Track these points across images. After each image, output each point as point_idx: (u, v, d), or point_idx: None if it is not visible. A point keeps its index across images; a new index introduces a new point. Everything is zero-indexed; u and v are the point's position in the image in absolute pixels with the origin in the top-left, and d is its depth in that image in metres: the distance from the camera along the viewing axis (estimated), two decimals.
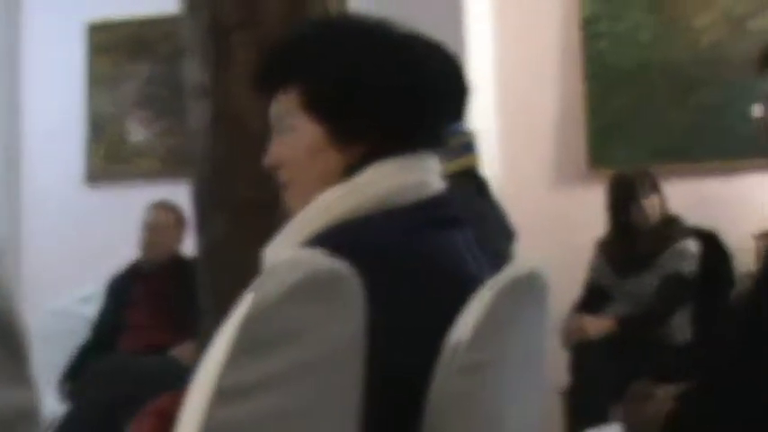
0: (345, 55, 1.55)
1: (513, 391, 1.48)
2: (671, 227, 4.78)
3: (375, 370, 1.24)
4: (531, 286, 1.50)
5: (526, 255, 5.53)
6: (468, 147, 2.33)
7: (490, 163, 5.59)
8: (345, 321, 1.16)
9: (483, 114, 5.55)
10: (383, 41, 1.59)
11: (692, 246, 4.66)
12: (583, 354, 4.45)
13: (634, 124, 5.62)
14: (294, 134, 1.58)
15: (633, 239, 4.78)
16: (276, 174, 1.61)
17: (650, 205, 4.72)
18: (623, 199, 4.78)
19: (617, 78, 5.72)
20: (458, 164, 2.27)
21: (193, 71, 3.14)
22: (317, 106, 1.55)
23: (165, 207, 5.13)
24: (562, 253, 5.23)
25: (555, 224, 5.64)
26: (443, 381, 1.34)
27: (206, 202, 3.09)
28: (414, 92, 1.55)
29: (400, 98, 1.54)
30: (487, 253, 1.67)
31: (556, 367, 4.63)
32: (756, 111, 2.20)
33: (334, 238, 1.40)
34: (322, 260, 1.16)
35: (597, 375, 4.29)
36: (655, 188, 4.79)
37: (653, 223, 4.73)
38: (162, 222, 5.08)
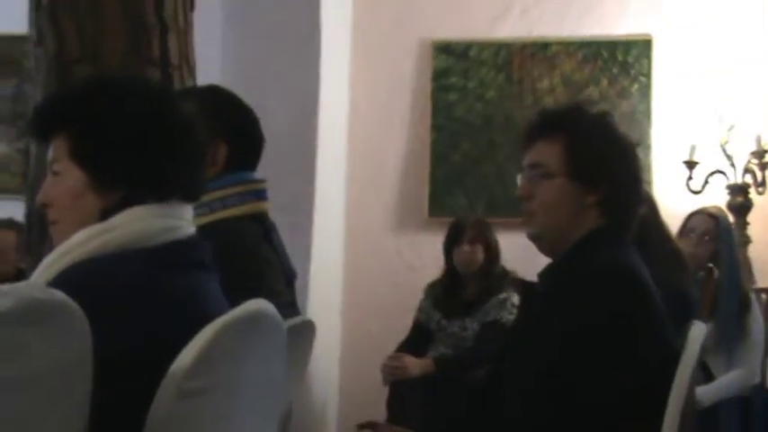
0: (106, 109, 1.76)
1: (239, 418, 1.68)
2: (498, 277, 5.01)
3: (96, 394, 1.44)
4: (257, 323, 1.70)
5: (367, 296, 5.84)
6: (258, 193, 2.53)
7: (336, 205, 5.83)
8: (57, 345, 1.35)
9: (333, 158, 5.78)
10: (143, 98, 1.79)
11: (514, 298, 4.89)
12: (400, 391, 4.69)
13: (475, 176, 5.90)
14: (61, 178, 1.79)
15: (460, 285, 5.02)
16: (46, 212, 1.81)
17: (471, 252, 4.95)
18: (449, 244, 5.04)
19: (462, 131, 6.01)
20: (247, 208, 2.47)
21: (35, 98, 3.25)
22: (79, 154, 1.76)
23: (7, 226, 5.21)
24: (401, 296, 5.47)
25: (396, 268, 5.87)
26: (160, 405, 1.54)
27: (35, 224, 3.19)
28: (166, 145, 1.76)
29: (153, 150, 1.75)
30: (268, 294, 1.88)
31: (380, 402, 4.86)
32: (519, 180, 2.44)
33: (74, 271, 1.61)
34: (33, 290, 1.35)
35: (412, 412, 4.52)
36: (481, 237, 5.01)
37: (474, 270, 4.96)
38: (2, 241, 5.16)
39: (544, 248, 2.40)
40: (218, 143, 2.46)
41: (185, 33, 3.33)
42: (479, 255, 4.98)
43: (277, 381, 1.81)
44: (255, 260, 2.39)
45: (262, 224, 2.51)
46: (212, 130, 2.37)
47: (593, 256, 2.26)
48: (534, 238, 2.40)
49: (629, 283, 2.19)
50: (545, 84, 5.98)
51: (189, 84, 3.21)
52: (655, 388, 2.11)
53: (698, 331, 2.33)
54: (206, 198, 2.18)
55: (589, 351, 2.09)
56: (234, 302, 1.73)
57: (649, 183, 5.65)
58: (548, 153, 2.34)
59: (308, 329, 2.36)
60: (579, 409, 2.08)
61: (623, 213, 2.38)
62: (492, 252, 5.04)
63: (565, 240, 2.34)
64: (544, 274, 2.42)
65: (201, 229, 1.88)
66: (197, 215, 1.94)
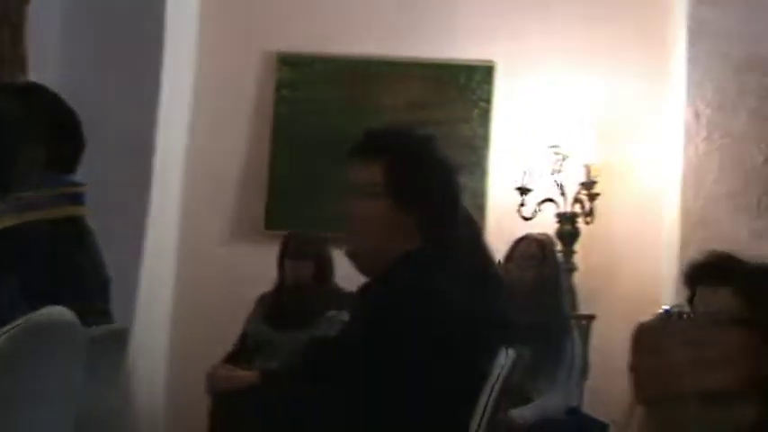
0: None
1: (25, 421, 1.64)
2: (329, 293, 5.01)
3: None
4: (48, 331, 1.66)
5: (199, 307, 5.78)
6: (74, 197, 2.48)
7: (171, 214, 5.75)
8: None
9: (170, 167, 5.71)
10: None
11: (344, 315, 4.90)
12: (222, 403, 4.65)
13: (313, 191, 5.89)
14: None
15: (290, 299, 5.02)
16: None
17: (301, 267, 4.96)
18: (281, 258, 5.04)
19: (302, 145, 6.01)
20: (59, 212, 2.42)
21: None
22: None
23: None
24: (234, 308, 5.42)
25: (230, 280, 5.82)
26: None
27: None
28: None
29: None
30: (73, 299, 1.84)
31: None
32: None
33: None
34: None
35: (235, 425, 4.48)
36: (312, 252, 5.02)
37: (304, 285, 4.96)
38: None
39: (360, 266, 2.42)
40: (35, 143, 2.40)
41: (19, 27, 3.26)
42: (309, 270, 4.98)
43: (72, 387, 1.77)
44: (62, 264, 2.33)
45: (76, 228, 2.46)
46: (30, 130, 2.31)
47: (404, 277, 2.28)
48: (351, 256, 2.42)
49: (428, 307, 2.22)
50: (387, 102, 6.03)
51: (20, 78, 3.14)
52: (452, 412, 2.14)
53: (505, 356, 2.38)
54: (17, 199, 2.13)
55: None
56: (35, 306, 1.69)
57: (483, 207, 5.78)
58: (369, 173, 2.37)
59: (120, 336, 2.32)
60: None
61: (440, 236, 2.41)
62: (323, 267, 5.04)
63: (381, 260, 2.36)
64: (359, 293, 2.44)
65: (6, 231, 1.83)
66: (4, 216, 1.89)
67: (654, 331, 2.80)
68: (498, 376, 2.31)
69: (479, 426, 2.23)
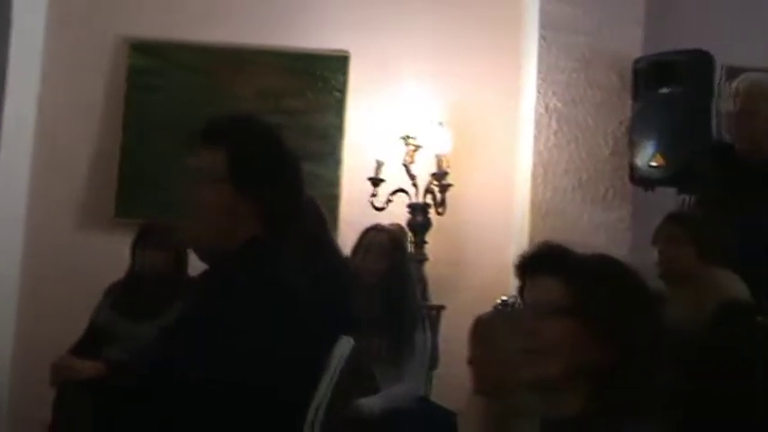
0: None
1: None
2: (182, 283, 4.92)
3: None
4: None
5: (47, 295, 5.64)
6: None
7: (17, 201, 5.60)
8: None
9: (17, 152, 5.56)
10: None
11: None
12: (65, 393, 4.54)
13: (164, 179, 5.78)
14: None
15: (141, 288, 4.92)
16: None
17: (154, 256, 4.87)
18: (134, 247, 4.93)
19: (155, 133, 5.90)
20: None
21: None
22: None
23: None
24: (83, 296, 5.29)
25: (79, 269, 5.69)
26: None
27: None
28: None
29: None
30: None
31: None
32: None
33: None
34: None
35: (73, 416, 4.38)
36: (166, 242, 4.92)
37: (156, 274, 4.87)
38: None
39: (201, 254, 2.38)
40: None
41: None
42: (163, 260, 4.89)
43: None
44: None
45: None
46: None
47: (245, 266, 2.26)
48: (191, 243, 2.38)
49: (267, 295, 2.21)
50: (244, 91, 5.98)
51: None
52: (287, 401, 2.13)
53: (345, 345, 2.39)
54: None
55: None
56: None
57: (336, 197, 5.78)
58: (211, 159, 2.34)
59: None
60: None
61: (282, 225, 2.39)
62: (178, 258, 4.95)
63: (221, 248, 2.33)
64: (199, 281, 2.41)
65: None
66: None
67: (488, 324, 2.86)
68: (337, 366, 2.31)
69: (317, 414, 2.23)
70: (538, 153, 5.57)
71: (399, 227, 5.18)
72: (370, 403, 4.18)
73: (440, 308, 5.45)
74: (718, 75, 5.35)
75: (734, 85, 4.06)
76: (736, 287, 3.50)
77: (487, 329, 2.78)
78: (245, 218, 2.33)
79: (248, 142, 2.38)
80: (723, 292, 3.46)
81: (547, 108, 5.60)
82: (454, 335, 5.10)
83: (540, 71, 5.63)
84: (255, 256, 2.31)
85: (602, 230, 5.55)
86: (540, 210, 5.53)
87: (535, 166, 5.56)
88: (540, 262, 2.12)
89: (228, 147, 2.35)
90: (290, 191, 2.42)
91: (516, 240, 5.69)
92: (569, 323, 1.98)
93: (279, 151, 2.43)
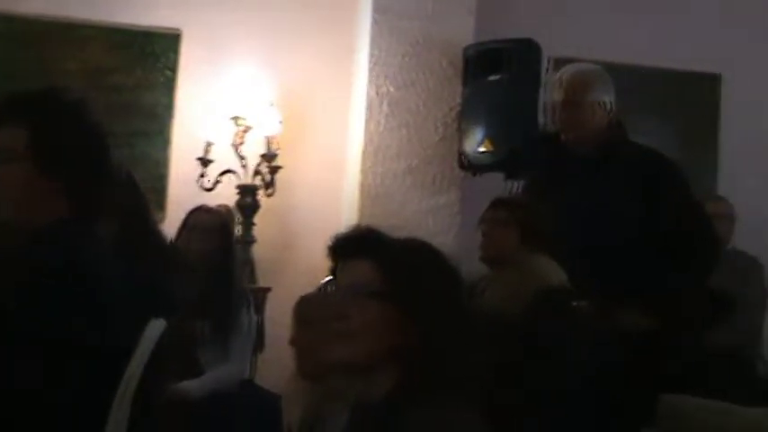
0: None
1: None
2: None
3: None
4: None
5: None
6: None
7: None
8: None
9: None
10: None
11: None
12: None
13: None
14: None
15: None
16: None
17: None
18: None
19: None
20: None
21: None
22: None
23: None
24: None
25: None
26: None
27: None
28: None
29: None
30: None
31: None
32: None
33: None
34: None
35: None
36: None
37: None
38: None
39: (2, 236, 2.29)
40: None
41: None
42: None
43: None
44: None
45: None
46: None
47: (45, 248, 2.18)
48: None
49: (62, 280, 2.13)
50: (72, 66, 5.80)
51: None
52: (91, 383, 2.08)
53: (156, 327, 2.33)
54: None
55: None
56: None
57: (164, 177, 5.68)
58: (11, 137, 2.25)
59: None
60: None
61: (90, 205, 2.32)
62: None
63: (24, 229, 2.24)
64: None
65: None
66: None
67: (306, 305, 2.84)
68: (146, 349, 2.25)
69: (124, 396, 2.17)
70: (368, 136, 5.58)
71: (227, 208, 5.11)
72: (188, 387, 4.11)
73: (266, 290, 5.41)
74: (546, 65, 5.46)
75: (558, 75, 4.13)
76: (555, 273, 3.57)
77: (306, 311, 2.77)
78: (49, 198, 2.25)
79: (50, 119, 2.30)
80: (542, 278, 3.52)
81: (378, 92, 5.61)
82: (280, 317, 5.05)
83: (372, 54, 5.63)
84: (58, 237, 2.22)
85: (431, 215, 5.60)
86: (369, 193, 5.54)
87: (365, 149, 5.57)
88: (353, 245, 2.12)
89: (29, 124, 2.26)
90: (97, 169, 2.34)
91: (345, 223, 5.68)
92: (380, 306, 1.99)
93: (84, 128, 2.35)
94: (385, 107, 5.62)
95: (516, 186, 5.04)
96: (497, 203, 3.85)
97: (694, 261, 3.89)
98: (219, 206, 4.87)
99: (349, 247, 2.13)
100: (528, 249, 3.62)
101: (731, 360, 5.26)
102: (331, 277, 2.33)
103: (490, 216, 3.77)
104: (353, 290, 2.01)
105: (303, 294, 2.95)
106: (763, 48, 6.39)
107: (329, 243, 2.20)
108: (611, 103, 4.01)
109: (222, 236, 4.46)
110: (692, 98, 6.61)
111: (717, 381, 4.79)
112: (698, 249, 3.91)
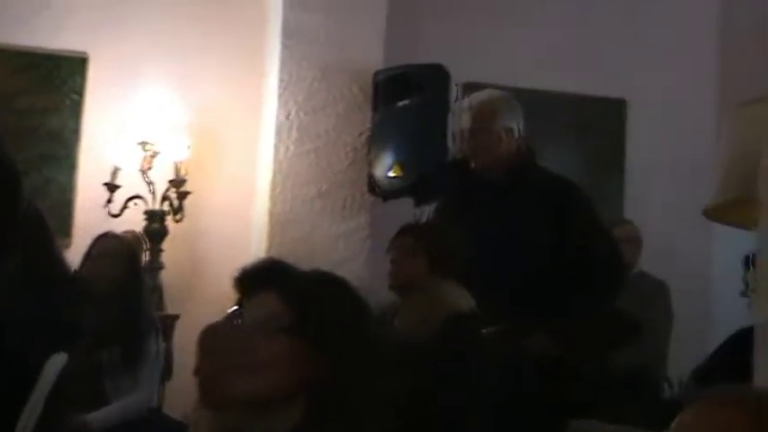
0: None
1: None
2: None
3: None
4: None
5: None
6: None
7: None
8: None
9: None
10: None
11: None
12: None
13: None
14: None
15: None
16: None
17: None
18: None
19: None
20: None
21: None
22: None
23: None
24: None
25: None
26: None
27: None
28: None
29: None
30: None
31: None
32: None
33: None
34: None
35: None
36: None
37: None
38: None
39: None
40: None
41: None
42: None
43: None
44: None
45: None
46: None
47: None
48: None
49: None
50: None
51: None
52: None
53: (57, 360, 2.29)
54: None
55: None
56: None
57: (71, 202, 5.59)
58: None
59: None
60: None
61: None
62: None
63: None
64: None
65: None
66: None
67: (212, 335, 2.80)
68: (48, 381, 2.20)
69: (25, 430, 2.12)
70: (278, 162, 5.56)
71: (134, 234, 5.05)
72: (92, 418, 4.04)
73: (174, 317, 5.35)
74: (456, 91, 5.51)
75: (466, 102, 4.17)
76: (463, 300, 3.58)
77: (211, 341, 2.73)
78: None
79: None
80: (451, 305, 3.53)
81: (288, 117, 5.60)
82: (189, 345, 4.99)
83: (281, 80, 5.62)
84: None
85: (341, 240, 5.59)
86: (279, 219, 5.52)
87: (275, 174, 5.55)
88: (260, 277, 2.10)
89: None
90: (5, 207, 2.29)
91: (255, 250, 5.65)
92: (287, 339, 1.97)
93: None
94: (294, 132, 5.60)
95: (428, 212, 5.07)
96: (405, 231, 3.85)
97: (600, 285, 3.93)
98: (126, 232, 4.81)
99: (255, 279, 2.11)
100: (437, 276, 3.63)
101: (637, 383, 5.35)
102: (237, 307, 2.31)
103: (398, 244, 3.77)
104: (260, 323, 1.99)
105: (209, 323, 2.91)
106: (667, 73, 6.52)
107: (235, 275, 2.17)
108: (519, 128, 4.05)
109: (129, 263, 4.40)
110: (599, 123, 6.72)
111: (623, 404, 4.87)
112: (604, 274, 3.96)
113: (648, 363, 5.48)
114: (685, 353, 5.17)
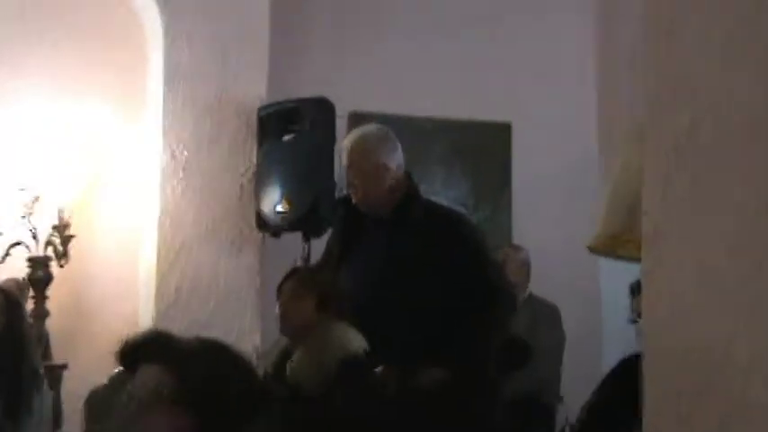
0: None
1: None
2: None
3: None
4: None
5: None
6: None
7: None
8: None
9: None
10: None
11: None
12: None
13: None
14: None
15: None
16: None
17: None
18: None
19: None
20: None
21: None
22: None
23: None
24: None
25: None
26: None
27: None
28: None
29: None
30: None
31: None
32: None
33: None
34: None
35: None
36: None
37: None
38: None
39: None
40: None
41: None
42: None
43: None
44: None
45: None
46: None
47: None
48: None
49: None
50: None
51: None
52: None
53: None
54: None
55: None
56: None
57: None
58: None
59: None
60: None
61: None
62: None
63: None
64: None
65: None
66: None
67: (97, 402, 2.76)
68: None
69: None
70: (164, 201, 5.50)
71: (16, 282, 4.93)
72: None
73: (62, 367, 5.22)
74: (343, 121, 5.52)
75: (345, 140, 4.18)
76: (355, 340, 3.58)
77: (95, 408, 2.69)
78: None
79: None
80: (343, 347, 3.53)
81: (173, 156, 5.54)
82: (78, 392, 4.91)
83: (165, 118, 5.56)
84: None
85: (231, 278, 5.55)
86: (167, 259, 5.45)
87: (162, 214, 5.48)
88: (143, 350, 2.07)
89: None
90: None
91: (143, 292, 5.57)
92: (171, 410, 1.95)
93: None
94: (180, 171, 5.54)
95: (306, 248, 5.09)
96: (292, 274, 3.85)
97: (488, 313, 3.96)
98: (8, 280, 4.70)
99: (138, 352, 2.07)
100: (327, 318, 3.63)
101: (531, 406, 5.41)
102: (122, 369, 2.26)
103: (286, 288, 3.76)
104: (144, 397, 1.96)
105: (94, 389, 2.86)
106: (549, 95, 6.61)
107: (118, 348, 2.13)
108: (397, 162, 4.05)
109: (9, 313, 4.28)
110: (486, 147, 6.80)
111: (518, 428, 4.92)
112: (493, 301, 3.98)
113: (542, 386, 5.55)
114: (576, 376, 5.25)
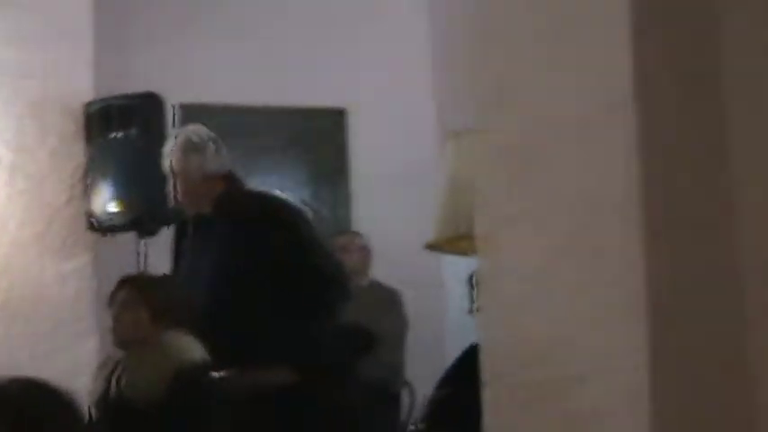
0: None
1: None
2: None
3: None
4: None
5: None
6: None
7: None
8: None
9: None
10: None
11: None
12: None
13: None
14: None
15: None
16: None
17: None
18: None
19: None
20: None
21: None
22: None
23: None
24: None
25: None
26: None
27: None
28: None
29: None
30: None
31: None
32: None
33: None
34: None
35: None
36: None
37: None
38: None
39: None
40: None
41: None
42: None
43: None
44: None
45: None
46: None
47: None
48: None
49: None
50: None
51: None
52: None
53: None
54: None
55: None
56: None
57: None
58: None
59: None
60: None
61: None
62: None
63: None
64: None
65: None
66: None
67: None
68: None
69: None
70: None
71: None
72: None
73: None
74: (174, 114, 5.41)
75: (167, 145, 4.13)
76: (192, 348, 3.51)
77: None
78: None
79: None
80: (180, 356, 3.46)
81: None
82: None
83: None
84: None
85: (65, 281, 5.35)
86: None
87: None
88: None
89: None
90: None
91: None
92: None
93: None
94: (4, 174, 5.31)
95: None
96: (124, 283, 3.72)
97: (320, 303, 3.94)
98: None
99: None
100: (161, 327, 3.53)
101: (378, 394, 5.41)
102: None
103: (118, 298, 3.64)
104: None
105: None
106: (387, 81, 6.58)
107: None
108: (217, 163, 4.00)
109: None
110: (321, 134, 6.77)
111: (366, 416, 4.92)
112: (323, 289, 3.95)
113: (386, 373, 5.54)
114: (420, 362, 5.28)
